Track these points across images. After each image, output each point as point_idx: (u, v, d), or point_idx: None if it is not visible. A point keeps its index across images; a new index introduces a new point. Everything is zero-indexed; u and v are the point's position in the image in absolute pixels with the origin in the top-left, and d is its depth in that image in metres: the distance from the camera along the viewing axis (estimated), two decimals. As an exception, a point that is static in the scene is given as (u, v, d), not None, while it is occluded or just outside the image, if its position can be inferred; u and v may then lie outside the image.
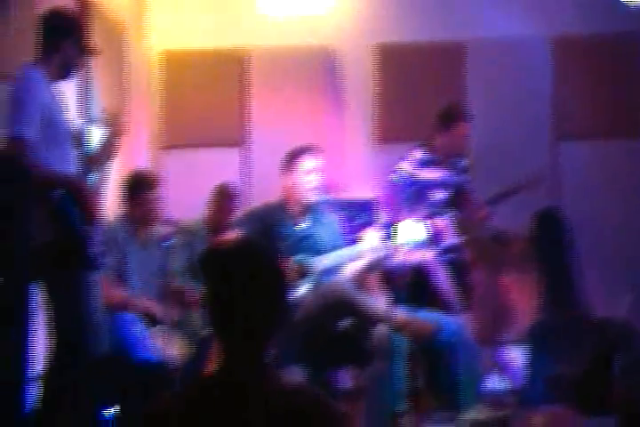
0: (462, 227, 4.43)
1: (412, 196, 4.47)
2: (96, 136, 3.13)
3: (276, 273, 1.74)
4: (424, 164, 4.50)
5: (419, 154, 4.50)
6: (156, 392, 3.24)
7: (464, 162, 4.60)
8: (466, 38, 5.17)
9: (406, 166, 4.49)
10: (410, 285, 4.31)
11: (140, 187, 3.92)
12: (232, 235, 3.64)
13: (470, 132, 4.50)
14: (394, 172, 4.47)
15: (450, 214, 4.50)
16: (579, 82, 5.03)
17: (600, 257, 4.85)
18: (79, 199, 2.84)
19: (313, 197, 3.76)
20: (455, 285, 4.27)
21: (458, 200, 4.58)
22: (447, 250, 4.52)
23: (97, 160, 3.13)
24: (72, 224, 2.83)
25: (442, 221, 4.42)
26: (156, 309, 3.71)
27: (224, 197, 4.65)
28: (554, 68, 5.07)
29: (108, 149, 3.20)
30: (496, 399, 3.96)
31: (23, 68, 2.91)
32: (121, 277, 3.81)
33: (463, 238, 4.55)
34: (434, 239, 4.41)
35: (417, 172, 4.49)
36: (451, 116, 4.43)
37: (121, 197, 3.95)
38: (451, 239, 4.51)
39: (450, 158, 4.53)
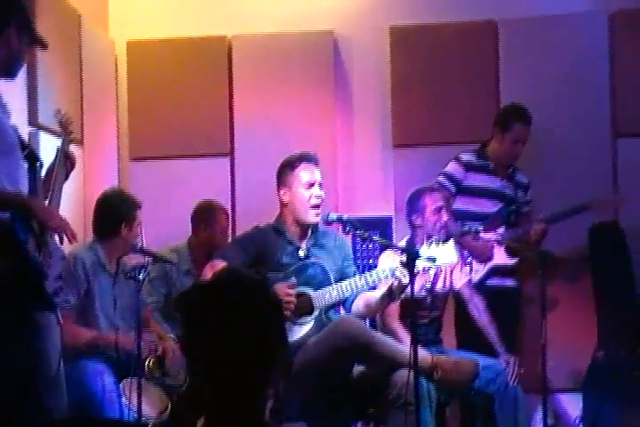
0: (515, 247, 4.43)
1: (458, 205, 4.51)
2: (47, 146, 3.15)
3: (269, 309, 1.76)
4: (475, 168, 4.56)
5: (469, 157, 4.57)
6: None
7: (524, 178, 4.65)
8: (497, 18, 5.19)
9: (453, 170, 4.55)
10: (439, 319, 4.32)
11: (117, 209, 3.95)
12: (217, 266, 3.62)
13: (527, 139, 4.56)
14: (434, 176, 4.53)
15: (501, 231, 4.52)
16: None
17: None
18: (35, 217, 2.84)
19: (315, 216, 3.74)
20: (501, 318, 4.26)
21: (515, 218, 4.62)
22: (490, 275, 4.52)
23: (51, 176, 3.14)
24: (24, 255, 2.82)
25: (488, 237, 4.43)
26: (131, 342, 3.70)
27: (210, 218, 4.67)
28: (610, 48, 5.07)
29: (63, 162, 3.20)
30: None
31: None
32: (87, 316, 3.83)
33: (514, 261, 4.56)
34: (472, 261, 4.41)
35: (465, 177, 4.55)
36: (506, 118, 4.52)
37: (93, 220, 3.98)
38: (496, 261, 4.52)
39: (503, 166, 4.59)
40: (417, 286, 3.69)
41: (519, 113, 4.59)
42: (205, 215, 4.68)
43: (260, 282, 1.82)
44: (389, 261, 3.80)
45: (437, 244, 3.61)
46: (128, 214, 3.95)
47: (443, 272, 4.21)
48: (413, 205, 4.18)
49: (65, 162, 3.22)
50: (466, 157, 4.62)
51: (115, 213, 3.95)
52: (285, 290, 3.49)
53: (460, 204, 4.57)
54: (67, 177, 3.26)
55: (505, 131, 4.57)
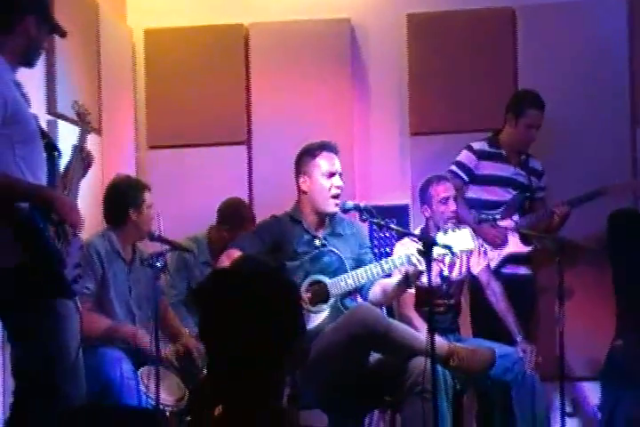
0: (531, 234, 4.43)
1: (471, 193, 4.50)
2: (66, 134, 3.16)
3: (285, 296, 1.75)
4: (487, 157, 4.56)
5: (481, 145, 4.57)
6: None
7: (538, 165, 4.64)
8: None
9: (465, 159, 4.55)
10: (456, 306, 4.32)
11: (124, 194, 3.96)
12: (233, 255, 3.61)
13: (541, 124, 4.54)
14: (450, 165, 4.52)
15: (516, 219, 4.51)
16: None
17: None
18: (54, 211, 2.85)
19: (335, 206, 3.72)
20: (516, 306, 4.26)
21: (529, 205, 4.61)
22: (505, 262, 4.52)
23: (68, 173, 3.15)
24: (44, 243, 2.83)
25: (505, 225, 4.43)
26: (145, 338, 3.73)
27: (238, 219, 4.58)
28: (629, 33, 5.03)
29: (80, 158, 3.20)
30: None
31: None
32: (103, 303, 3.85)
33: (528, 249, 4.55)
34: (487, 248, 4.41)
35: (478, 165, 4.55)
36: (520, 104, 4.51)
37: (103, 208, 3.99)
38: (511, 249, 4.51)
39: (517, 153, 4.59)
40: (433, 273, 3.69)
41: (532, 98, 4.57)
42: (234, 216, 4.58)
43: (276, 269, 1.83)
44: (404, 249, 3.80)
45: (453, 230, 3.60)
46: (135, 199, 3.93)
47: (459, 258, 4.20)
48: (422, 196, 4.19)
49: (82, 159, 3.23)
50: (478, 145, 4.61)
51: (121, 199, 3.95)
52: None
53: (473, 192, 4.57)
54: (84, 174, 3.27)
55: (518, 116, 4.55)
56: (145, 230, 3.94)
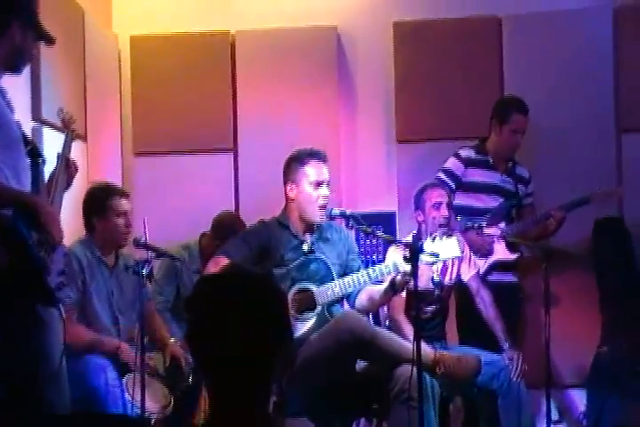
0: (518, 242, 4.43)
1: (459, 200, 4.51)
2: (51, 141, 3.13)
3: (273, 304, 1.76)
4: (474, 164, 4.58)
5: (468, 152, 4.58)
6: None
7: (525, 172, 4.66)
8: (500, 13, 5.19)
9: (452, 166, 4.57)
10: (443, 313, 4.31)
11: (88, 202, 3.94)
12: (220, 262, 3.61)
13: (526, 130, 4.57)
14: (437, 172, 4.54)
15: (502, 226, 4.52)
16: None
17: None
18: (37, 220, 2.83)
19: (322, 216, 3.72)
20: (503, 313, 4.26)
21: (516, 212, 4.63)
22: (491, 270, 4.53)
23: (52, 183, 3.13)
24: (27, 250, 2.81)
25: (491, 232, 4.44)
26: (129, 352, 3.71)
27: (229, 232, 4.47)
28: (614, 43, 5.06)
29: (64, 169, 3.18)
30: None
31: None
32: (87, 310, 3.83)
33: (514, 256, 4.56)
34: (476, 255, 4.42)
35: (465, 172, 4.56)
36: (504, 110, 4.53)
37: (83, 214, 3.97)
38: (497, 256, 4.52)
39: (503, 160, 4.60)
40: (424, 279, 3.69)
41: (516, 103, 4.60)
42: (228, 231, 4.41)
43: (263, 276, 1.83)
44: (397, 256, 3.79)
45: (441, 238, 3.61)
46: (99, 207, 3.90)
47: (450, 265, 4.22)
48: (416, 201, 4.22)
49: (66, 169, 3.21)
50: (465, 152, 4.63)
51: (86, 207, 3.94)
52: None
53: (461, 199, 4.58)
54: (69, 185, 3.24)
55: (503, 122, 4.57)
56: (112, 238, 3.92)
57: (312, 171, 3.71)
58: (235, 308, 1.71)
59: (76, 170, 3.27)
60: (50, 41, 3.14)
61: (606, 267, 4.64)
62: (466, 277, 4.27)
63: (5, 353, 2.84)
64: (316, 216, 3.72)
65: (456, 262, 4.22)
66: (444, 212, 4.14)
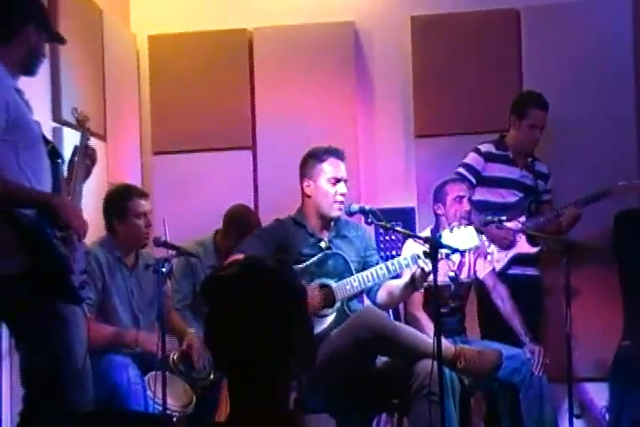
0: (538, 235, 4.44)
1: (477, 195, 4.52)
2: (71, 141, 3.16)
3: (292, 300, 1.73)
4: (494, 159, 4.58)
5: (487, 147, 4.59)
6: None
7: (544, 168, 4.66)
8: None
9: (472, 161, 4.58)
10: (462, 309, 4.32)
11: (107, 204, 3.97)
12: (238, 257, 3.62)
13: (545, 125, 4.55)
14: (456, 167, 4.53)
15: (522, 220, 4.52)
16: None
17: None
18: (59, 217, 2.86)
19: (338, 211, 3.72)
20: (523, 308, 4.26)
21: (535, 207, 4.62)
22: (512, 264, 4.53)
23: (71, 174, 3.17)
24: (51, 249, 2.85)
25: (511, 226, 4.44)
26: (148, 338, 3.75)
27: (244, 227, 4.46)
28: (634, 33, 5.03)
29: (83, 159, 3.23)
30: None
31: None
32: (107, 311, 3.86)
33: (535, 250, 4.56)
34: (494, 249, 4.42)
35: (485, 167, 4.57)
36: (522, 105, 4.53)
37: (104, 215, 4.00)
38: (518, 250, 4.52)
39: (523, 155, 4.60)
40: (441, 274, 3.69)
41: (535, 98, 4.59)
42: (242, 224, 4.48)
43: (280, 268, 1.77)
44: (413, 249, 3.80)
45: (458, 228, 3.63)
46: (117, 209, 3.93)
47: (467, 262, 4.23)
48: (436, 195, 4.22)
49: (84, 158, 3.24)
50: (485, 147, 4.63)
51: (105, 210, 3.97)
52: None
53: (480, 194, 4.58)
54: (88, 174, 3.29)
55: (522, 117, 4.57)
56: (133, 239, 3.95)
57: (329, 168, 3.72)
58: (249, 302, 1.68)
59: (95, 160, 3.31)
60: (61, 41, 3.18)
61: (628, 260, 4.62)
62: (482, 274, 4.28)
63: (31, 354, 2.89)
64: (333, 210, 3.71)
65: (472, 258, 4.23)
66: (466, 206, 4.16)
